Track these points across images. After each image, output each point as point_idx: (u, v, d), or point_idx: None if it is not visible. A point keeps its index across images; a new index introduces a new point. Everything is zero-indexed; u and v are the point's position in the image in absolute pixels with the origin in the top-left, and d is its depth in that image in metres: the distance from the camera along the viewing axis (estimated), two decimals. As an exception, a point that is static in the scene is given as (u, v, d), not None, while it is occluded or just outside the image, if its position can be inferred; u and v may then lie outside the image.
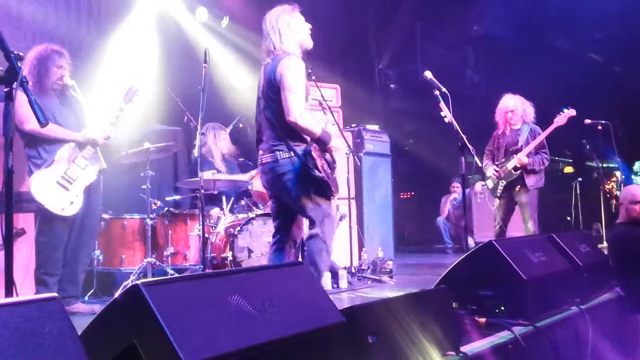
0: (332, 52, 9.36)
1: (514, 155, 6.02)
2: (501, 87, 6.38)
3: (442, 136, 6.29)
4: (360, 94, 9.82)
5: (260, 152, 3.84)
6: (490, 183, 6.17)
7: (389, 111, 11.33)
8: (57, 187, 4.26)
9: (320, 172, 3.61)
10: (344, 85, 7.52)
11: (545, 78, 9.92)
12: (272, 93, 3.72)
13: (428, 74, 4.79)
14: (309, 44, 3.88)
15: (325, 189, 3.70)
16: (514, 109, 6.16)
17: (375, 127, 7.69)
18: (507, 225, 6.19)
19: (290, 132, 3.67)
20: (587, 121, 7.62)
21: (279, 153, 3.68)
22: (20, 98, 2.60)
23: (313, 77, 4.49)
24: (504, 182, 6.08)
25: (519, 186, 6.04)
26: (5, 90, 2.28)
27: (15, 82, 2.22)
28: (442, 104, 4.78)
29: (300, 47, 3.82)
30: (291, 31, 3.78)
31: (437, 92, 4.77)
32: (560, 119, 6.17)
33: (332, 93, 7.04)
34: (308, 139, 3.73)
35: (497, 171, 6.07)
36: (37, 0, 6.52)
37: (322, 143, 3.72)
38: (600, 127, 7.67)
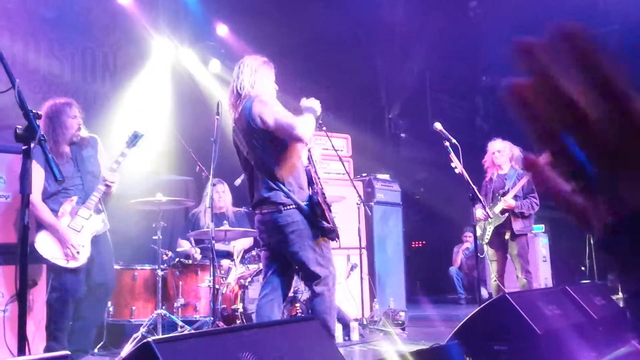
0: (342, 102, 9.48)
1: (501, 198, 5.93)
2: (511, 136, 6.38)
3: (453, 185, 6.27)
4: (371, 144, 9.88)
5: (257, 202, 3.64)
6: (478, 230, 5.93)
7: (399, 160, 11.37)
8: None
9: (328, 222, 3.50)
10: (355, 134, 7.56)
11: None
12: (255, 140, 3.57)
13: (438, 126, 4.83)
14: None
15: (332, 238, 3.58)
16: (502, 149, 6.12)
17: (386, 177, 7.70)
18: (504, 276, 6.01)
19: (281, 179, 3.53)
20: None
21: (282, 204, 3.51)
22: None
23: (324, 128, 4.51)
24: (492, 227, 5.95)
25: (507, 231, 5.92)
26: (24, 147, 2.30)
27: (33, 141, 2.25)
28: (452, 155, 4.81)
29: None
30: (266, 83, 3.72)
31: (447, 143, 4.81)
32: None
33: (342, 143, 7.09)
34: (305, 184, 3.62)
35: (485, 213, 5.81)
36: (54, 53, 6.71)
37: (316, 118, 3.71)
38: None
